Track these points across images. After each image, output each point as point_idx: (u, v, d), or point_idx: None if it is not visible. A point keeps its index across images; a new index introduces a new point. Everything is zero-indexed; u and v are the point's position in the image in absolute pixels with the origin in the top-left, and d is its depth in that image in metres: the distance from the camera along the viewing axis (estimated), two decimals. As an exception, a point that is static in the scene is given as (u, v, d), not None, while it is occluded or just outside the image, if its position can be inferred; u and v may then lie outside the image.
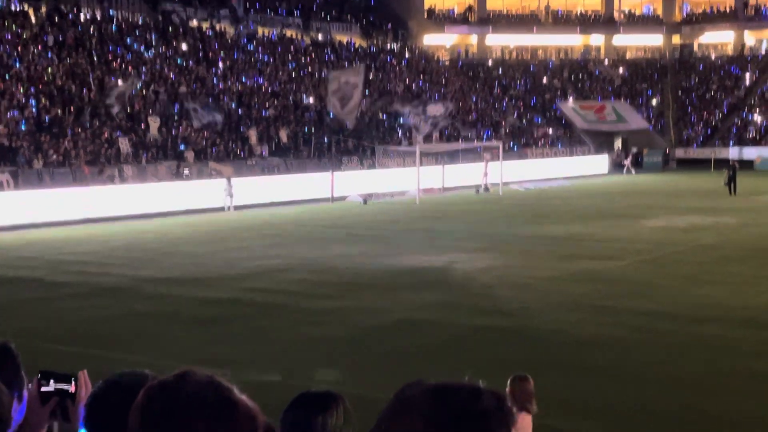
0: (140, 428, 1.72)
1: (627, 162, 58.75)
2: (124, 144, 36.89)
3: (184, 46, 48.53)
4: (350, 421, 2.91)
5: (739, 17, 78.08)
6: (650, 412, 9.57)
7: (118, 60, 43.53)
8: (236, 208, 33.18)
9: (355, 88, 44.15)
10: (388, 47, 66.69)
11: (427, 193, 40.37)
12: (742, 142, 66.02)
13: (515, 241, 24.07)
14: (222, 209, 33.05)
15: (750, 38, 79.14)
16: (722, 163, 52.61)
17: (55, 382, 2.71)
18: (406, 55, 66.21)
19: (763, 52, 76.35)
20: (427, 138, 49.26)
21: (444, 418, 1.47)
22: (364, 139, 46.57)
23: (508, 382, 6.73)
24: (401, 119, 50.42)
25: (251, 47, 53.59)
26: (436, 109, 50.49)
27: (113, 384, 2.35)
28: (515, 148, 56.34)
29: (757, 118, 68.51)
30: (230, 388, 1.77)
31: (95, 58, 42.41)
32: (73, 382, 2.71)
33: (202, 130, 40.00)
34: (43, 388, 2.70)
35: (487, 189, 43.52)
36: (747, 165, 58.90)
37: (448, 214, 32.13)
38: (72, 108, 37.72)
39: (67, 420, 2.69)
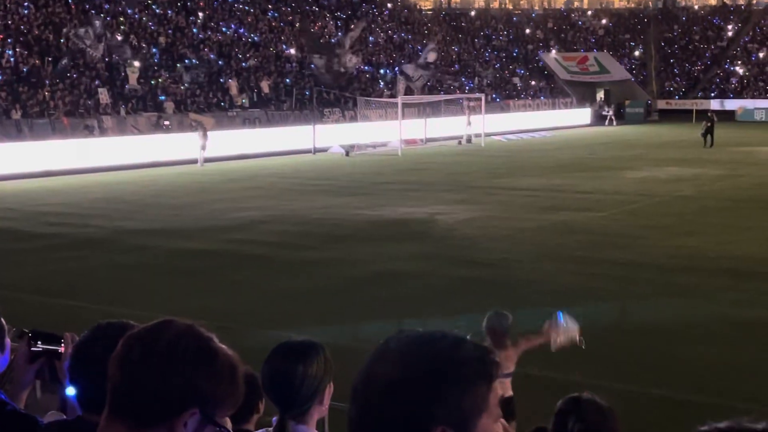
0: (120, 377, 1.73)
1: (610, 113, 58.82)
2: (104, 95, 36.52)
3: (163, -5, 47.78)
4: (330, 370, 2.94)
5: (722, -33, 77.72)
6: (626, 360, 9.71)
7: (96, 9, 42.88)
8: (219, 159, 32.93)
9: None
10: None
11: (410, 145, 40.29)
12: (723, 93, 66.11)
13: (496, 192, 24.13)
14: (197, 162, 32.77)
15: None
16: (704, 115, 52.68)
17: (44, 342, 2.73)
18: (389, 5, 65.55)
19: (746, 3, 76.13)
20: (409, 89, 49.02)
21: (422, 362, 1.49)
22: (345, 91, 46.31)
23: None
24: (396, 74, 50.14)
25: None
26: (432, 56, 50.35)
27: (95, 335, 2.37)
28: (497, 100, 56.24)
29: (739, 69, 68.51)
30: (210, 336, 1.78)
31: (72, 7, 41.76)
32: (62, 344, 2.72)
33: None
34: (33, 348, 2.72)
35: (469, 140, 43.49)
36: (729, 116, 59.20)
37: (430, 166, 32.12)
38: (50, 58, 37.25)
39: (55, 380, 2.71)
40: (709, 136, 39.03)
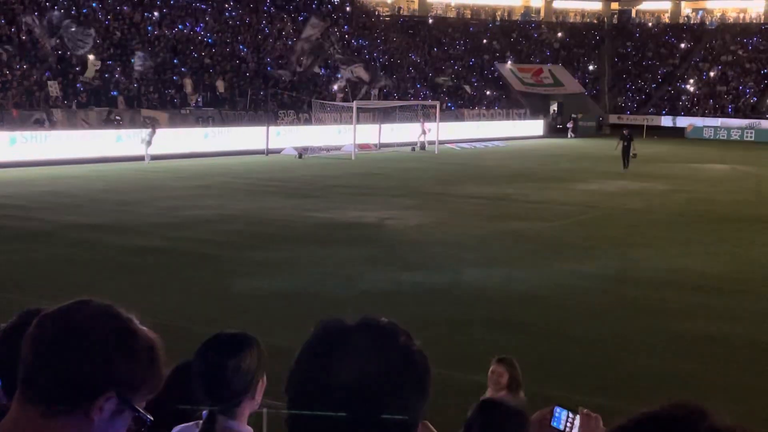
0: (31, 358, 1.65)
1: (570, 125, 59.71)
2: (54, 87, 35.91)
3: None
4: (263, 364, 2.85)
5: (677, -14, 79.11)
6: (572, 369, 9.75)
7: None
8: (170, 157, 32.59)
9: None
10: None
11: (363, 149, 40.24)
12: (674, 110, 67.13)
13: (448, 199, 24.19)
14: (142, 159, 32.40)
15: (686, 8, 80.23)
16: (654, 130, 53.49)
17: None
18: (347, 9, 65.48)
19: (698, 22, 77.50)
20: (365, 95, 48.99)
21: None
22: (301, 93, 46.12)
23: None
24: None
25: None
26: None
27: (23, 320, 2.29)
28: (452, 108, 56.45)
29: (690, 87, 69.63)
30: (129, 317, 1.71)
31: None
32: None
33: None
34: None
35: (423, 147, 43.59)
36: (678, 133, 60.47)
37: (383, 171, 32.11)
38: (1, 50, 36.50)
39: None
40: (625, 157, 34.54)
